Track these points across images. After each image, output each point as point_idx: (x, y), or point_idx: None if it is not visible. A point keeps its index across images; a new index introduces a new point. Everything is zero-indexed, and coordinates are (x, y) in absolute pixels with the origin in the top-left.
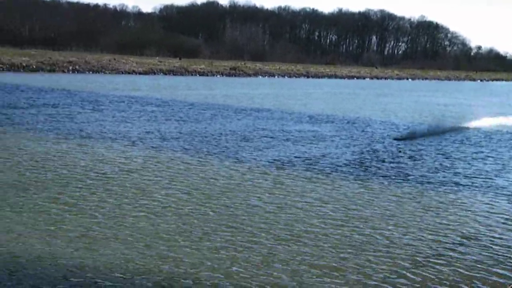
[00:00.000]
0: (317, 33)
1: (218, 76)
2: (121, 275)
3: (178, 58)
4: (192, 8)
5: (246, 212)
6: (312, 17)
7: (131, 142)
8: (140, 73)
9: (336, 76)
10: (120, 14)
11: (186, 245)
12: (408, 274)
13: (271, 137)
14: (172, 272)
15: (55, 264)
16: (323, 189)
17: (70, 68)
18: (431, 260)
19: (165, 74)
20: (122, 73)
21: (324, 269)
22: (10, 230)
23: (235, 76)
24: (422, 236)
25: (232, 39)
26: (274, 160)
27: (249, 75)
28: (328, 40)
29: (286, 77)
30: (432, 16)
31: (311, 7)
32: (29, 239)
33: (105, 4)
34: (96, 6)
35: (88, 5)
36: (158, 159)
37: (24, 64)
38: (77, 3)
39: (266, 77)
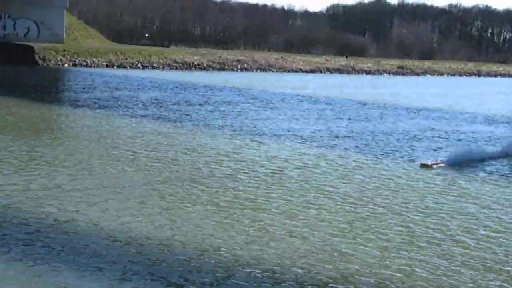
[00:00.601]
0: (490, 31)
1: (385, 74)
2: (296, 269)
3: (344, 57)
4: (359, 6)
5: (420, 213)
6: (485, 14)
7: (303, 140)
8: (306, 72)
9: (510, 75)
10: (287, 14)
11: (360, 243)
12: None
13: (444, 138)
14: (346, 268)
15: (231, 255)
16: (499, 192)
17: (239, 66)
18: None
19: (331, 72)
20: (289, 71)
21: (503, 275)
22: (189, 221)
23: (402, 75)
24: None
25: (399, 38)
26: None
27: (417, 74)
28: (502, 38)
29: (455, 76)
30: None
31: (484, 4)
32: (207, 231)
33: (273, 4)
34: (265, 6)
35: (256, 5)
36: (330, 157)
37: (196, 63)
38: (246, 3)
39: (435, 76)
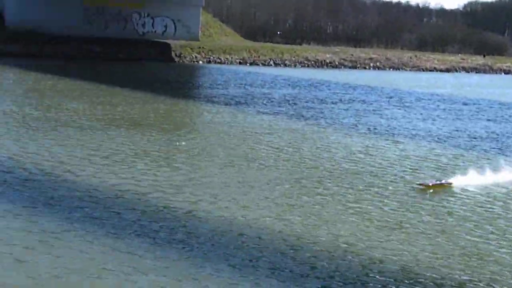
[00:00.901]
0: None
1: None
2: (434, 269)
3: (482, 56)
4: (498, 3)
5: None
6: None
7: (439, 140)
8: (441, 71)
9: None
10: (422, 11)
11: (502, 245)
12: None
13: None
14: (485, 271)
15: (367, 253)
16: None
17: (371, 64)
18: None
19: (467, 72)
20: (423, 70)
21: None
22: (319, 218)
23: None
24: None
25: None
26: None
27: None
28: None
29: None
30: None
31: None
32: (342, 227)
33: (407, 1)
34: (398, 3)
35: (390, 2)
36: (468, 158)
37: (328, 61)
38: (380, 0)
39: None
